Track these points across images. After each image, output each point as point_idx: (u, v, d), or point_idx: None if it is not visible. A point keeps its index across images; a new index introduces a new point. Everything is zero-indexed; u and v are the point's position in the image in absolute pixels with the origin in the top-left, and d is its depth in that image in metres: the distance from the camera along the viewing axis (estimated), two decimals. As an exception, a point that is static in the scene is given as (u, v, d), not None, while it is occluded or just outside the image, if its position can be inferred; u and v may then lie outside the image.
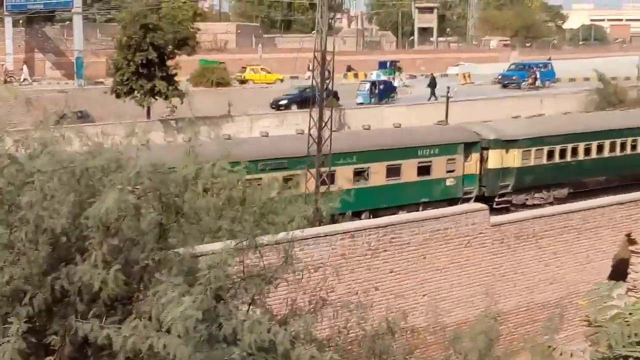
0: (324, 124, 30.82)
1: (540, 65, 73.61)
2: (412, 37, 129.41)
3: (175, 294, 6.78)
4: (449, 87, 54.08)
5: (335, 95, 55.57)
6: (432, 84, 60.38)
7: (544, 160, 39.24)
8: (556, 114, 49.27)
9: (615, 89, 60.04)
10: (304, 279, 14.46)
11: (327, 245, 18.34)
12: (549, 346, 7.24)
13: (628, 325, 6.57)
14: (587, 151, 40.81)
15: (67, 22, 75.54)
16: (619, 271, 22.62)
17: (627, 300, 7.25)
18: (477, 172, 37.34)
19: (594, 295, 7.21)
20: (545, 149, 39.15)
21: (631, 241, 23.88)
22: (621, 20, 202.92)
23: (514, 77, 69.18)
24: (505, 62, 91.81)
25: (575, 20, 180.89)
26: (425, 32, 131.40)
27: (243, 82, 69.85)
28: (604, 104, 56.62)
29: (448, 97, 51.86)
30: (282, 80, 70.71)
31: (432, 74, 67.05)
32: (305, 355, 7.40)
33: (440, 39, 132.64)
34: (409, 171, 35.02)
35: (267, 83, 69.70)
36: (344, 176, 32.55)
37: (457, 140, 36.94)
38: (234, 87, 65.58)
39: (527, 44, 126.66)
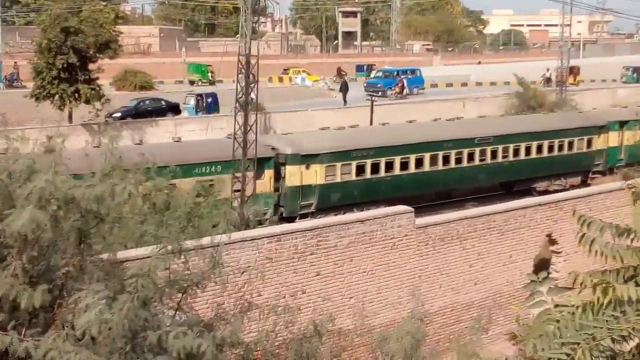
0: (249, 128, 30.73)
1: (408, 71, 69.98)
2: (336, 42, 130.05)
3: (93, 300, 6.65)
4: (373, 92, 54.51)
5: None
6: (344, 89, 59.84)
7: (353, 177, 35.54)
8: (371, 126, 46.52)
9: (534, 92, 61.20)
10: (230, 283, 14.36)
11: (253, 249, 18.26)
12: (474, 352, 7.24)
13: (557, 322, 6.66)
14: (404, 165, 37.17)
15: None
16: (541, 271, 23.05)
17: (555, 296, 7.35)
18: (272, 191, 33.45)
19: (527, 289, 7.27)
20: (354, 163, 35.51)
21: (552, 241, 24.37)
22: (540, 25, 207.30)
23: (379, 85, 64.78)
24: (429, 66, 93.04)
25: (495, 25, 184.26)
26: (349, 36, 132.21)
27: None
28: (524, 108, 57.66)
29: (372, 101, 52.21)
30: (317, 81, 75.53)
31: (344, 79, 66.46)
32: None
33: (364, 43, 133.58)
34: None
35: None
36: None
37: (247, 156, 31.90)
38: (158, 90, 64.91)
39: (449, 49, 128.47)
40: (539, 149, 42.43)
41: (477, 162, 39.85)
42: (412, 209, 21.88)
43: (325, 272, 19.71)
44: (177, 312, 8.94)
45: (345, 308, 19.97)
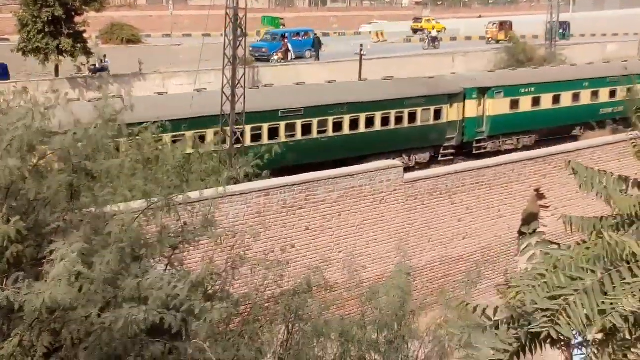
0: (237, 82, 30.53)
1: (301, 33, 63.04)
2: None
3: (66, 252, 6.60)
4: (361, 45, 54.11)
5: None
6: (316, 45, 58.92)
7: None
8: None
9: (524, 47, 61.01)
10: (220, 240, 14.33)
11: (242, 204, 18.26)
12: (463, 301, 7.23)
13: (542, 276, 6.67)
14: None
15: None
16: (529, 225, 23.16)
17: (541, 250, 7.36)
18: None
19: (520, 243, 7.30)
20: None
21: (540, 196, 24.46)
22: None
23: (263, 49, 59.53)
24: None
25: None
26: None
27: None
28: (513, 62, 57.50)
29: (361, 55, 51.92)
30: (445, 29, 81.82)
31: (315, 34, 65.30)
32: (204, 308, 7.37)
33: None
34: None
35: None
36: None
37: None
38: (145, 44, 64.36)
39: (439, 2, 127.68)
40: (370, 122, 36.35)
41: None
42: (401, 163, 21.88)
43: (314, 226, 19.75)
44: (168, 268, 8.93)
45: (335, 262, 20.04)
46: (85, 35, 46.34)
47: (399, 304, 16.08)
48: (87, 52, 45.57)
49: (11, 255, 7.02)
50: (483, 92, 40.31)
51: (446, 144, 39.29)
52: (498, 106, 40.62)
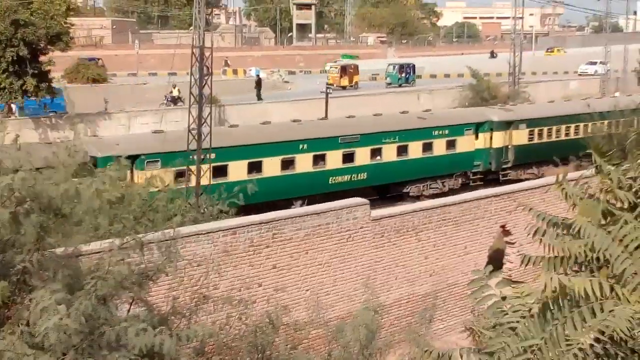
0: (203, 121, 30.53)
1: None
2: (290, 34, 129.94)
3: (52, 301, 6.55)
4: (327, 84, 54.53)
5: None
6: (258, 85, 58.67)
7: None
8: None
9: (488, 84, 61.75)
10: (185, 276, 14.29)
11: (208, 242, 18.19)
12: (426, 350, 7.29)
13: (513, 321, 6.77)
14: None
15: None
16: (495, 262, 23.27)
17: (504, 289, 7.42)
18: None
19: (473, 285, 7.36)
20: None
21: (506, 232, 24.62)
22: (492, 18, 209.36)
23: None
24: (383, 59, 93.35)
25: (449, 18, 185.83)
26: (303, 28, 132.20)
27: None
28: (477, 100, 58.16)
29: (327, 93, 52.26)
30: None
31: (258, 75, 65.24)
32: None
33: (319, 35, 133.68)
34: None
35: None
36: None
37: None
38: (111, 83, 64.28)
39: (404, 41, 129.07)
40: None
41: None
42: (368, 201, 21.95)
43: (281, 264, 19.70)
44: (132, 306, 8.87)
45: (301, 300, 19.98)
46: (50, 74, 46.19)
47: (366, 342, 16.06)
48: (52, 92, 45.38)
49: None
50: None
51: None
52: None
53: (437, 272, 23.04)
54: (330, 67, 70.76)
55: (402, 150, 38.34)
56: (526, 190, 25.25)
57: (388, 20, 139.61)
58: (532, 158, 44.48)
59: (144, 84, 63.70)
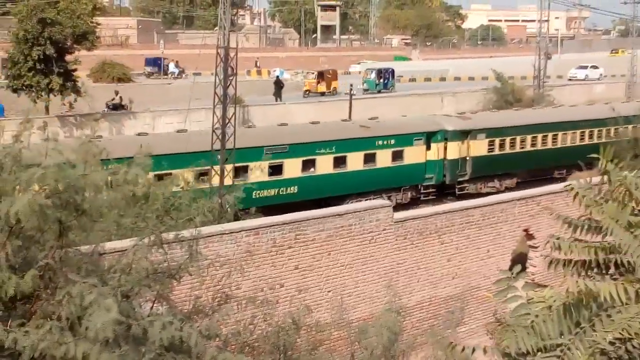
0: (227, 121, 30.62)
1: None
2: (315, 35, 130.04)
3: (95, 297, 6.57)
4: (351, 85, 54.49)
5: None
6: (277, 86, 57.62)
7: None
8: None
9: (512, 87, 61.49)
10: (208, 276, 14.30)
11: (232, 242, 18.23)
12: (451, 342, 7.25)
13: (531, 320, 6.74)
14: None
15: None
16: (518, 265, 23.15)
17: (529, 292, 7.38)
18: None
19: (499, 285, 7.32)
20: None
21: (529, 236, 24.49)
22: (518, 20, 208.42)
23: None
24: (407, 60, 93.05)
25: (473, 21, 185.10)
26: (327, 30, 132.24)
27: None
28: (502, 103, 57.92)
29: (351, 95, 52.26)
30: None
31: (277, 75, 63.82)
32: (219, 356, 7.35)
33: (343, 37, 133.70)
34: None
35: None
36: None
37: None
38: (136, 82, 64.62)
39: (428, 43, 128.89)
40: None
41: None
42: (391, 203, 21.91)
43: (303, 265, 19.70)
44: (155, 304, 8.89)
45: (323, 302, 19.97)
46: (76, 73, 46.51)
47: (389, 344, 16.04)
48: (77, 91, 45.70)
49: (15, 292, 6.95)
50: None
51: None
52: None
53: (460, 275, 22.96)
54: (307, 73, 66.46)
55: (339, 161, 35.53)
56: (550, 193, 25.12)
57: (412, 22, 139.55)
58: (494, 170, 41.49)
59: (169, 83, 64.00)
